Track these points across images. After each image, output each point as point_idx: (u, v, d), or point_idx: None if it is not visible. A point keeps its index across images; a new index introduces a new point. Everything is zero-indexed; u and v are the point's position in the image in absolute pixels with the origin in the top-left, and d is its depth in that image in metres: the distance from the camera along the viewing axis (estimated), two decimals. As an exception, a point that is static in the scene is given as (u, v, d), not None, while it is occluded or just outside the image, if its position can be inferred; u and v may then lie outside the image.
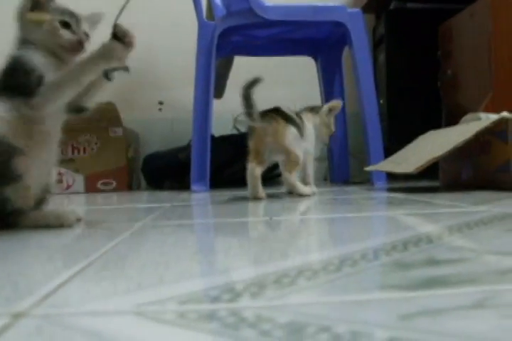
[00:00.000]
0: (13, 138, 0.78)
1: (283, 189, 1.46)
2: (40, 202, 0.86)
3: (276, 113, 1.34)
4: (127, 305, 0.34)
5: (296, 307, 0.32)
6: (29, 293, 0.39)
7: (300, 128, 1.37)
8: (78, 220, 0.86)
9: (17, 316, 0.32)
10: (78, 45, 0.85)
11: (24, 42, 0.84)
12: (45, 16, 0.84)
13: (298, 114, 1.41)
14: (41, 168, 0.83)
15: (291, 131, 1.34)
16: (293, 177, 1.33)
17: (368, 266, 0.43)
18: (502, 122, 1.24)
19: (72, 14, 0.86)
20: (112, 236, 0.69)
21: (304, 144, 1.39)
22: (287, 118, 1.34)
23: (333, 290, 0.36)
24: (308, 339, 0.25)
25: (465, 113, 1.50)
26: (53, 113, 0.83)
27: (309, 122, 1.45)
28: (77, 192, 2.14)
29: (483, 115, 1.38)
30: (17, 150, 0.78)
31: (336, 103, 1.53)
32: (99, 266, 0.50)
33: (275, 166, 1.50)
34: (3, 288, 0.41)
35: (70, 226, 0.81)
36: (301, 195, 1.34)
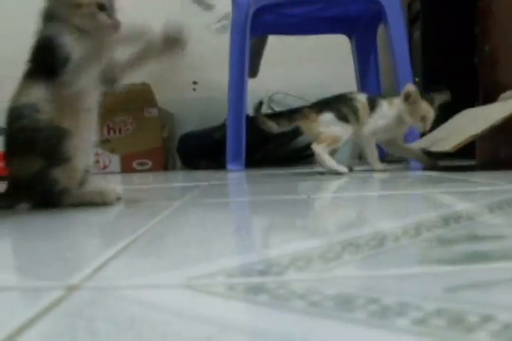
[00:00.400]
0: (60, 120, 0.79)
1: (316, 168, 1.46)
2: (82, 181, 0.87)
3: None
4: (176, 278, 0.35)
5: (343, 280, 0.33)
6: (80, 267, 0.40)
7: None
8: (118, 199, 0.88)
9: (71, 288, 0.33)
10: (114, 29, 0.85)
11: (53, 19, 0.83)
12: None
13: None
14: (85, 147, 0.84)
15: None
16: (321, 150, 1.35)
17: (410, 241, 0.43)
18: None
19: None
20: (153, 214, 0.71)
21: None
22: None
23: (377, 264, 0.37)
24: (358, 310, 0.26)
25: (503, 90, 1.48)
26: (90, 89, 0.84)
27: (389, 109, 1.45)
28: (114, 172, 2.17)
29: (522, 92, 1.35)
30: (66, 132, 0.80)
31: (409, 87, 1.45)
32: (145, 241, 0.51)
33: (306, 147, 1.51)
34: (54, 263, 0.42)
35: (111, 203, 0.83)
36: (331, 172, 1.34)
